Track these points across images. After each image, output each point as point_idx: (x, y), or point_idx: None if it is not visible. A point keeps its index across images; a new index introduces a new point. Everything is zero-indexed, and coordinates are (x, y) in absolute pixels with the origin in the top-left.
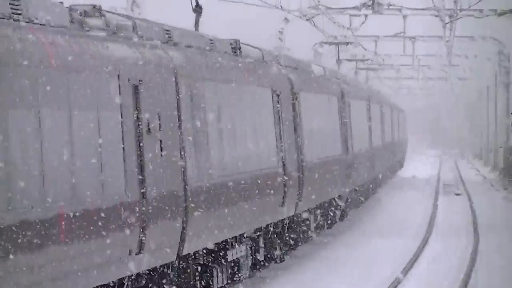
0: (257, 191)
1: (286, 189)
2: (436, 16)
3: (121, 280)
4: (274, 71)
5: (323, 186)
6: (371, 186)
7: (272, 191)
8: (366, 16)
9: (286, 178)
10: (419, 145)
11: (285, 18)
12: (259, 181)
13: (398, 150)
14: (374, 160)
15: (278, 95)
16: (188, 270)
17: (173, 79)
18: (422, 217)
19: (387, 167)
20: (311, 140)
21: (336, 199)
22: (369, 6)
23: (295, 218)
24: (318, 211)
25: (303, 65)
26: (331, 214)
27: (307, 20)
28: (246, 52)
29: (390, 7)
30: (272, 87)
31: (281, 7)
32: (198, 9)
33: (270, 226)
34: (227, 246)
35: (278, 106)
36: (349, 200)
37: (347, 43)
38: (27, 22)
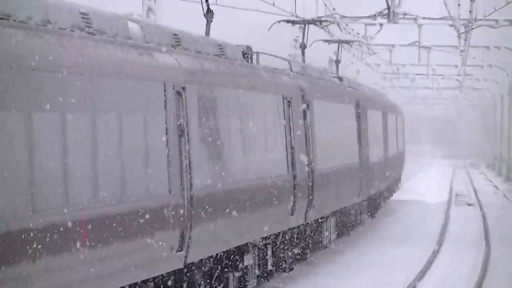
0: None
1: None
2: (451, 25)
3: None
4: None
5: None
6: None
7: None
8: (381, 25)
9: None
10: (433, 155)
11: (301, 26)
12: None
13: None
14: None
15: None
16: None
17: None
18: (434, 226)
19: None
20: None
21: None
22: (385, 15)
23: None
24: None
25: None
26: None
27: (322, 28)
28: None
29: (406, 16)
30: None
31: (297, 15)
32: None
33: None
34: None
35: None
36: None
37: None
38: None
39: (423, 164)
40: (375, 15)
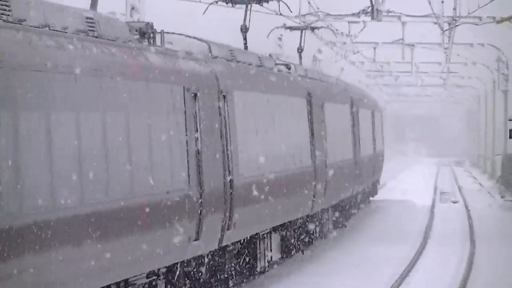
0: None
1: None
2: (435, 23)
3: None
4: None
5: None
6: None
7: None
8: (365, 23)
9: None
10: (417, 153)
11: (284, 24)
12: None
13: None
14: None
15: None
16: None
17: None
18: (418, 225)
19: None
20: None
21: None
22: (368, 13)
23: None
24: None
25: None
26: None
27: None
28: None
29: (389, 14)
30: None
31: (280, 13)
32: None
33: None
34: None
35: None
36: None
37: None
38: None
39: (408, 162)
40: (358, 13)
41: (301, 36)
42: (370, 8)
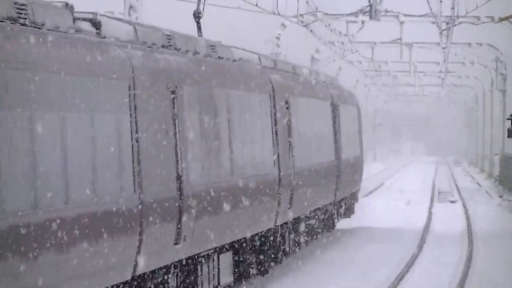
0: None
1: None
2: (433, 23)
3: None
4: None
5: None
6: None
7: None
8: (363, 22)
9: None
10: (413, 153)
11: (282, 24)
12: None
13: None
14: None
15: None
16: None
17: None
18: (417, 224)
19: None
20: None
21: None
22: (366, 12)
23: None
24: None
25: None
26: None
27: (304, 26)
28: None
29: (387, 13)
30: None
31: (278, 13)
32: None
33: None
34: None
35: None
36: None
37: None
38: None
39: (404, 161)
40: (357, 12)
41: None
42: (368, 8)
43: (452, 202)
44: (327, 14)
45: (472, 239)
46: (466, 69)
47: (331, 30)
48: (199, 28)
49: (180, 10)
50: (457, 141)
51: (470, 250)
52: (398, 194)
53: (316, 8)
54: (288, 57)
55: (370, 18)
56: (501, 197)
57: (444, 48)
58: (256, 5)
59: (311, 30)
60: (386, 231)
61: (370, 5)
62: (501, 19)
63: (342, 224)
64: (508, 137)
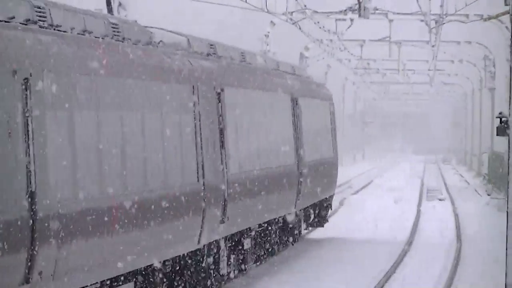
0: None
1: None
2: (422, 21)
3: None
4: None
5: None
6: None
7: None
8: (352, 20)
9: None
10: (403, 151)
11: (271, 21)
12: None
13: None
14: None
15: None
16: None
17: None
18: (405, 222)
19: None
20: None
21: None
22: (355, 10)
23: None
24: None
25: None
26: None
27: (293, 24)
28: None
29: (376, 11)
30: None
31: (267, 11)
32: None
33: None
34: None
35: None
36: None
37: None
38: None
39: (394, 159)
40: (345, 10)
41: None
42: (357, 6)
43: (440, 200)
44: (316, 12)
45: (460, 236)
46: (455, 67)
47: (320, 28)
48: (109, 6)
49: (165, 7)
50: (445, 139)
51: (459, 247)
52: (387, 192)
53: (305, 5)
54: (278, 55)
55: (359, 16)
56: (489, 195)
57: (433, 46)
58: (246, 1)
59: (300, 28)
60: (374, 229)
61: (359, 3)
62: (490, 18)
63: (334, 227)
64: (497, 135)
